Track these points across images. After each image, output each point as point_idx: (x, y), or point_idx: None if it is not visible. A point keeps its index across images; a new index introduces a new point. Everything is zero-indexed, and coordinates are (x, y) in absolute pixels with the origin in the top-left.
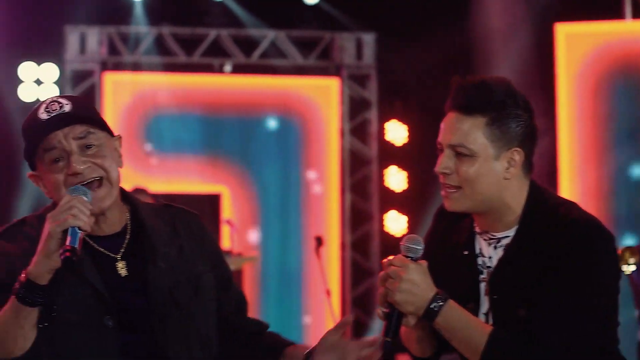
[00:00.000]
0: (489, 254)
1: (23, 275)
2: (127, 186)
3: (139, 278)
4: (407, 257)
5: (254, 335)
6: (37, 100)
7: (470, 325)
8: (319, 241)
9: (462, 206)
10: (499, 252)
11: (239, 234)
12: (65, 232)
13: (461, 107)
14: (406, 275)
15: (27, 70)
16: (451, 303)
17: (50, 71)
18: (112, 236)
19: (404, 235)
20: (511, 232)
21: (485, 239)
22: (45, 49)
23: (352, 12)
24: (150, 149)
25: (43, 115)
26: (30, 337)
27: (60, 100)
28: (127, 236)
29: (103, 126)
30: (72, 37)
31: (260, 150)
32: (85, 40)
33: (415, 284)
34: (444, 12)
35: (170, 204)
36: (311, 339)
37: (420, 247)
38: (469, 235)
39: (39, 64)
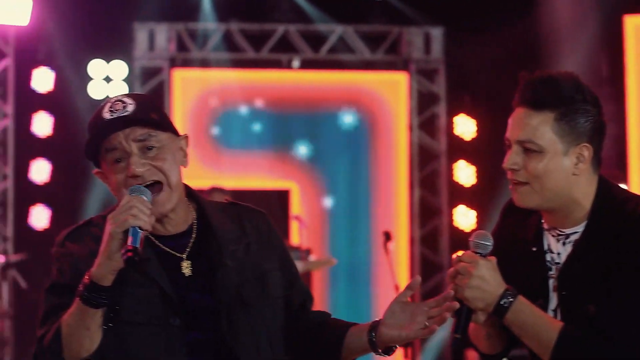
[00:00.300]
0: (558, 250)
1: (87, 277)
2: (199, 183)
3: (204, 277)
4: (477, 253)
5: (318, 324)
6: (107, 97)
7: (541, 322)
8: (387, 236)
9: (531, 202)
10: (568, 248)
11: (308, 230)
12: (126, 232)
13: (529, 103)
14: (476, 272)
15: (96, 67)
16: (521, 299)
17: (119, 68)
18: (177, 235)
19: (473, 231)
20: (580, 228)
21: (553, 235)
22: (114, 46)
23: (420, 6)
24: (218, 144)
25: (107, 114)
26: (96, 338)
27: (125, 99)
28: (193, 235)
29: (166, 127)
30: (141, 34)
31: (328, 145)
32: (154, 37)
33: (485, 280)
34: (512, 4)
35: (237, 202)
36: None
37: (489, 244)
38: (537, 232)
39: (108, 61)
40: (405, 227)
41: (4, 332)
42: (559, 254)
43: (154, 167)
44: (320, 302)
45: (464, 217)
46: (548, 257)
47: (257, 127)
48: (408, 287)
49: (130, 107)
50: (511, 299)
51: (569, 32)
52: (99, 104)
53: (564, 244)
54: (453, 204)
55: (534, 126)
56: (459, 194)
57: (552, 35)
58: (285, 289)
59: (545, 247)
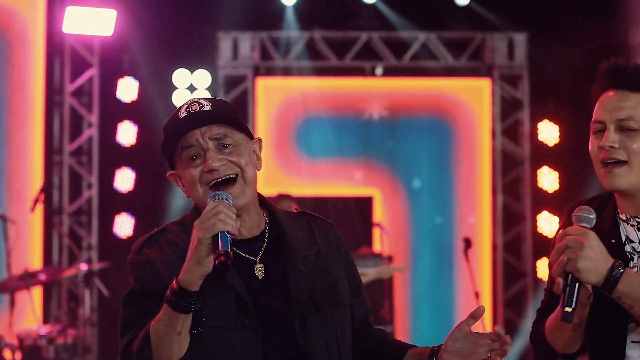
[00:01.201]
0: (635, 237)
1: (174, 282)
2: (282, 190)
3: (277, 281)
4: (582, 227)
5: (378, 341)
6: None
7: None
8: (468, 243)
9: (627, 182)
10: None
11: (390, 237)
12: (214, 237)
13: (625, 85)
14: (588, 243)
15: (180, 77)
16: (629, 270)
17: (203, 77)
18: (250, 240)
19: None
20: None
21: (632, 225)
22: (198, 55)
23: (503, 12)
24: (301, 152)
25: (183, 114)
26: (185, 343)
27: (201, 101)
28: (266, 239)
29: (241, 128)
30: (224, 43)
31: (411, 152)
32: (238, 45)
33: (596, 251)
34: (595, 9)
35: (306, 211)
36: None
37: (593, 217)
38: (613, 224)
39: (192, 71)
40: (488, 233)
41: (87, 339)
42: (639, 241)
43: (230, 162)
44: (403, 309)
45: (548, 223)
46: (628, 247)
47: (339, 134)
48: (471, 316)
49: (207, 107)
50: (621, 270)
51: None
52: None
53: None
54: (536, 210)
55: (632, 105)
56: (543, 200)
57: (635, 39)
58: (352, 297)
59: (624, 238)
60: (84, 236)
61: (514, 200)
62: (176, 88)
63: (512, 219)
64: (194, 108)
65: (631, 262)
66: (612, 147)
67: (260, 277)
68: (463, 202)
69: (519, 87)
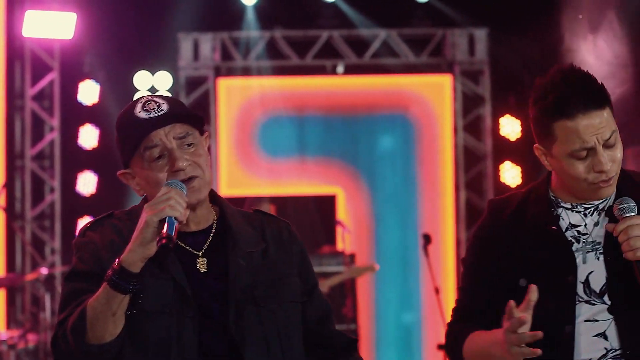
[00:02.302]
0: (583, 222)
1: (116, 262)
2: (244, 191)
3: (218, 274)
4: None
5: (342, 351)
6: None
7: None
8: (427, 239)
9: (613, 189)
10: (595, 218)
11: (353, 235)
12: (161, 221)
13: (591, 105)
14: None
15: (141, 79)
16: None
17: (164, 79)
18: (197, 233)
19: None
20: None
21: (578, 211)
22: (159, 57)
23: (463, 8)
24: (263, 152)
25: (142, 114)
26: (120, 323)
27: (156, 99)
28: (212, 234)
29: (198, 124)
30: (185, 44)
31: (374, 150)
32: (198, 46)
33: None
34: (554, 2)
35: (261, 210)
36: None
37: (633, 204)
38: (550, 212)
39: (153, 72)
40: (451, 229)
41: (49, 343)
42: (585, 225)
43: (194, 163)
44: (366, 307)
45: None
46: (570, 233)
47: (301, 133)
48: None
49: (165, 106)
50: None
51: (612, 29)
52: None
53: (591, 214)
54: None
55: (607, 120)
56: None
57: (595, 33)
58: (303, 296)
59: (566, 224)
60: (47, 240)
61: (477, 196)
62: (137, 90)
63: (475, 215)
64: (151, 107)
65: (572, 246)
66: (611, 167)
67: (202, 270)
68: (426, 199)
69: (480, 83)
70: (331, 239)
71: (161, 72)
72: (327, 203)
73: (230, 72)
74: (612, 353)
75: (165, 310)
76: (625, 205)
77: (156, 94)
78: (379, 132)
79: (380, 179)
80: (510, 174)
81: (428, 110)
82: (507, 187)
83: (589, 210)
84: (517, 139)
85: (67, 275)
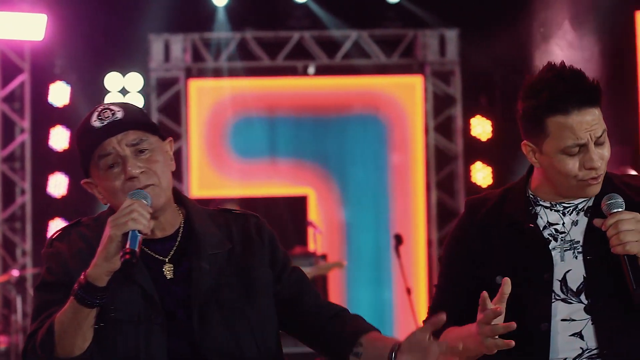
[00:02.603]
0: (561, 221)
1: (82, 277)
2: (216, 192)
3: (184, 280)
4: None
5: (329, 318)
6: None
7: None
8: (399, 239)
9: (600, 186)
10: (575, 217)
11: (324, 235)
12: (125, 235)
13: (584, 102)
14: (631, 216)
15: (112, 80)
16: None
17: (135, 80)
18: (163, 239)
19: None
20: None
21: (557, 210)
22: (130, 58)
23: (434, 9)
24: (235, 153)
25: (96, 123)
26: (88, 337)
27: (112, 107)
28: (178, 239)
29: (154, 131)
30: (156, 46)
31: (345, 150)
32: (169, 48)
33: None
34: (525, 3)
35: (230, 209)
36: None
37: (621, 200)
38: (529, 210)
39: (124, 74)
40: (422, 229)
41: (20, 345)
42: (563, 224)
43: (149, 170)
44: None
45: None
46: (548, 231)
47: (273, 134)
48: (428, 325)
49: (119, 114)
50: None
51: (582, 28)
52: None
53: (570, 213)
54: None
55: (599, 118)
56: None
57: (565, 32)
58: (275, 285)
59: (544, 223)
60: (18, 242)
61: (448, 196)
62: (108, 92)
63: (446, 215)
64: (106, 115)
65: (549, 244)
66: (601, 165)
67: (168, 277)
68: (397, 199)
69: (451, 83)
70: (302, 240)
71: (132, 73)
72: (298, 204)
73: (201, 73)
74: (587, 353)
75: (133, 319)
76: (613, 200)
77: (116, 101)
78: (350, 132)
79: (352, 179)
80: (481, 174)
81: (399, 110)
82: (478, 187)
83: (567, 210)
84: (488, 139)
85: (37, 285)
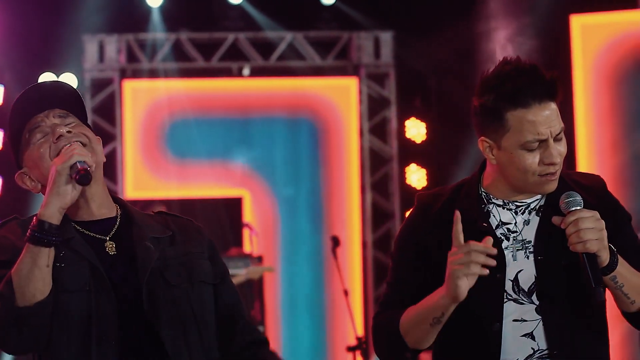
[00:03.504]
0: (514, 220)
1: (34, 219)
2: (151, 194)
3: (127, 257)
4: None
5: (251, 344)
6: None
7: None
8: (336, 241)
9: (557, 183)
10: (527, 216)
11: (260, 238)
12: (71, 167)
13: (545, 95)
14: (590, 214)
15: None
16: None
17: (69, 81)
18: (101, 220)
19: None
20: (539, 196)
21: (510, 209)
22: (64, 59)
23: (369, 11)
24: (170, 154)
25: (23, 103)
26: (48, 281)
27: (40, 87)
28: (117, 222)
29: (81, 114)
30: (90, 46)
31: (280, 152)
32: (104, 48)
33: (599, 220)
34: (460, 6)
35: (165, 211)
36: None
37: (580, 198)
38: (481, 210)
39: (58, 74)
40: (357, 231)
41: None
42: (515, 223)
43: (77, 132)
44: (274, 309)
45: None
46: (500, 230)
47: (208, 136)
48: None
49: (45, 92)
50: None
51: (517, 32)
52: None
53: (522, 213)
54: (405, 207)
55: (557, 113)
56: (411, 197)
57: (499, 35)
58: (215, 278)
59: (496, 222)
60: None
61: (383, 198)
62: None
63: (381, 217)
64: (31, 94)
65: (502, 243)
66: (559, 160)
67: (111, 253)
68: (332, 201)
69: (386, 86)
70: (238, 242)
71: (66, 73)
72: (233, 206)
73: (136, 74)
74: (539, 353)
75: (84, 288)
76: (572, 198)
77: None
78: (284, 134)
79: (286, 181)
80: (416, 176)
81: (334, 112)
82: (413, 189)
83: (520, 209)
84: (423, 141)
85: None
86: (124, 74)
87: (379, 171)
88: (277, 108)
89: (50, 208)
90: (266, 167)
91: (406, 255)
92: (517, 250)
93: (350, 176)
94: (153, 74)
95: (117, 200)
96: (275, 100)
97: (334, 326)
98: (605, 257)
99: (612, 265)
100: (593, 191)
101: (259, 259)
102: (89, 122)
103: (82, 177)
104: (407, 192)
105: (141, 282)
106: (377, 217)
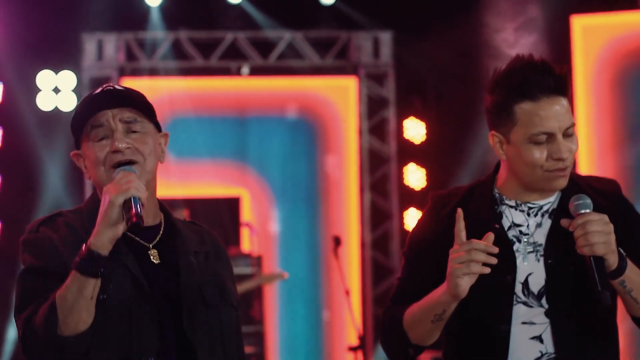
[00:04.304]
0: (526, 222)
1: (84, 247)
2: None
3: (170, 267)
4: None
5: None
6: (56, 108)
7: None
8: (337, 241)
9: (567, 180)
10: (539, 219)
11: (259, 237)
12: (125, 202)
13: (555, 90)
14: (599, 217)
15: (45, 78)
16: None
17: (68, 79)
18: (146, 228)
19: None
20: (552, 198)
21: (522, 210)
22: (62, 57)
23: (369, 11)
24: (169, 153)
25: (97, 93)
26: (92, 311)
27: (117, 86)
28: (161, 231)
29: (152, 117)
30: (89, 44)
31: (279, 152)
32: (103, 47)
33: (607, 224)
34: (460, 6)
35: (195, 222)
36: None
37: (589, 201)
38: (494, 211)
39: (56, 72)
40: (356, 231)
41: None
42: (528, 225)
43: (135, 149)
44: (272, 308)
45: (415, 220)
46: (512, 232)
47: (207, 135)
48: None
49: (122, 90)
50: (624, 253)
51: (518, 32)
52: (47, 115)
53: (535, 215)
54: (404, 207)
55: (568, 109)
56: (410, 197)
57: (499, 36)
58: (238, 302)
59: (509, 223)
60: None
61: (382, 198)
62: (40, 90)
63: (379, 217)
64: (108, 88)
65: (514, 245)
66: (569, 156)
67: (155, 262)
68: (331, 201)
69: (385, 86)
70: (236, 241)
71: (65, 71)
72: (232, 205)
73: (135, 73)
74: (547, 356)
75: (124, 304)
76: (581, 201)
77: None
78: (283, 133)
79: (285, 180)
80: (415, 176)
81: (333, 112)
82: (412, 190)
83: (532, 211)
84: (422, 142)
85: (23, 272)
86: (122, 73)
87: (378, 171)
88: (275, 107)
89: (101, 238)
90: (264, 167)
91: (417, 253)
92: (529, 252)
93: (349, 176)
94: (152, 72)
95: (163, 208)
96: (274, 99)
97: (332, 326)
98: (613, 261)
99: (621, 269)
100: (608, 195)
101: (259, 259)
102: None
103: (133, 224)
104: (406, 192)
105: (182, 300)
106: (375, 217)
